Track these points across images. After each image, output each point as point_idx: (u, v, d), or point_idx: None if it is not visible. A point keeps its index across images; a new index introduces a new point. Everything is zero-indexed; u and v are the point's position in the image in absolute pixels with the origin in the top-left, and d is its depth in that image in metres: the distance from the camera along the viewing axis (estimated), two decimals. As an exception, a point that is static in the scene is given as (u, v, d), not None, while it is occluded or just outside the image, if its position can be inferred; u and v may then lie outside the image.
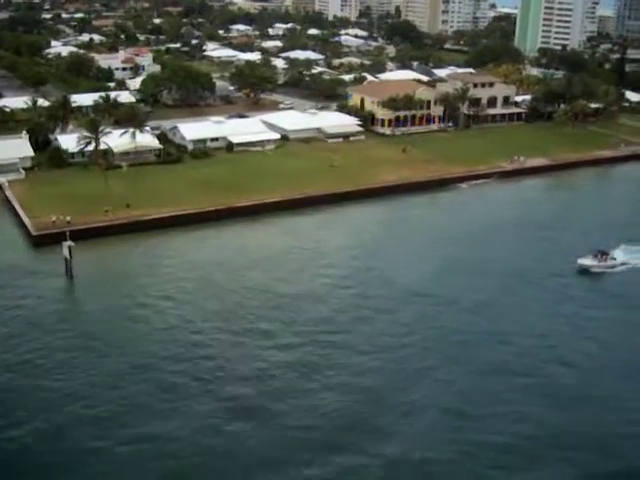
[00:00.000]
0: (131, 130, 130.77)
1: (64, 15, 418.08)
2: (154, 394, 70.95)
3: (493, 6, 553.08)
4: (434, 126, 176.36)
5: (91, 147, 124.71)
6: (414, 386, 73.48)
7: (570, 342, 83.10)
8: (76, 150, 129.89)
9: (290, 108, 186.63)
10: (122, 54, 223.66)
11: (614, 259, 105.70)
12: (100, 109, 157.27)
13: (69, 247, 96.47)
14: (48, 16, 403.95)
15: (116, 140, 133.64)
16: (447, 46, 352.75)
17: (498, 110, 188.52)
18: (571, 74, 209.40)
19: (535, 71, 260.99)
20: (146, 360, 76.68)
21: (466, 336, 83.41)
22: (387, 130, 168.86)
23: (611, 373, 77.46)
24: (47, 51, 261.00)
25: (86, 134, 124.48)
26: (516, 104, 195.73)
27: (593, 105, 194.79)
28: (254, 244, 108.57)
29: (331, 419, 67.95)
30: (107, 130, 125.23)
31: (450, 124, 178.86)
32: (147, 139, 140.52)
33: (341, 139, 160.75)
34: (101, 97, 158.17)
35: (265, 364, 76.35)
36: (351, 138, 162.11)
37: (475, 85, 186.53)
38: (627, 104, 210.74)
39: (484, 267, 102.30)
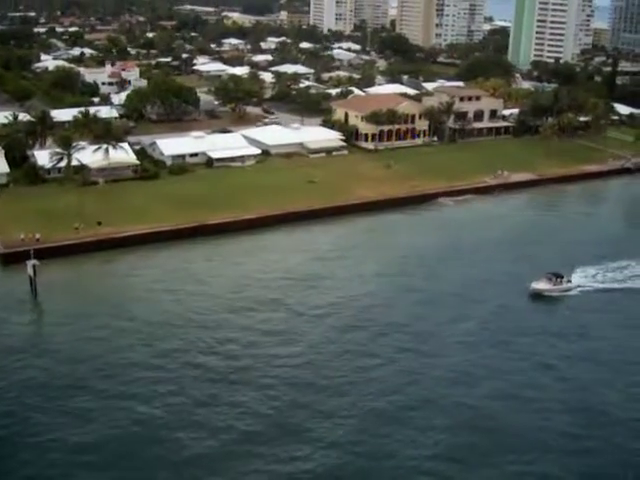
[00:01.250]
0: (104, 146, 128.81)
1: (58, 29, 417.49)
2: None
3: (490, 19, 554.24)
4: (419, 140, 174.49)
5: (64, 163, 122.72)
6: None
7: (488, 380, 77.99)
8: (50, 166, 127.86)
9: (275, 122, 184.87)
10: (108, 68, 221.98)
11: (570, 282, 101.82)
12: (79, 124, 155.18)
13: (34, 266, 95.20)
14: (42, 30, 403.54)
15: (93, 156, 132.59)
16: (440, 59, 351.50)
17: (485, 124, 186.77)
18: (558, 87, 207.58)
19: (527, 84, 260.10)
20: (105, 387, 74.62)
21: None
22: (370, 145, 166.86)
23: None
24: (37, 65, 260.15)
25: (58, 150, 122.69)
26: (504, 118, 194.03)
27: (582, 118, 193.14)
28: (219, 264, 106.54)
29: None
30: (80, 146, 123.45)
31: (435, 138, 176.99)
32: (124, 155, 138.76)
33: (324, 154, 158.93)
34: (80, 112, 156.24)
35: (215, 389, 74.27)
36: (334, 153, 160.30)
37: (461, 99, 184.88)
38: (617, 117, 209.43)
39: (433, 291, 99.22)
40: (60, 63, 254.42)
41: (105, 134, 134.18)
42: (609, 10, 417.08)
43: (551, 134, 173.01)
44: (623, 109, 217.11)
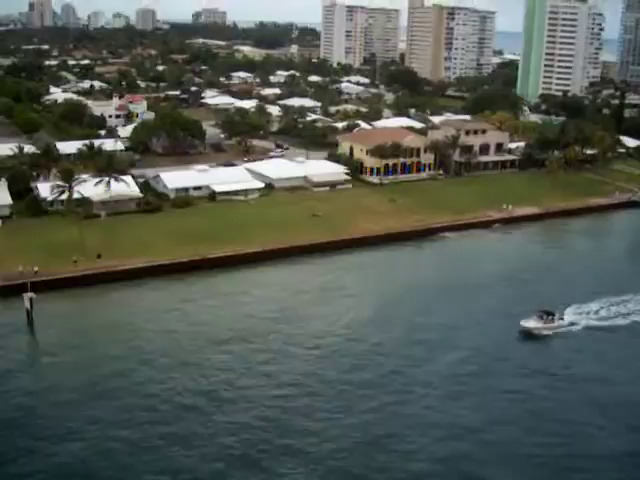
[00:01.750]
0: (106, 179, 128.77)
1: (70, 62, 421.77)
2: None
3: (500, 53, 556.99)
4: (424, 174, 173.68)
5: (65, 196, 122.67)
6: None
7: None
8: (51, 198, 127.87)
9: (281, 156, 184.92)
10: (116, 101, 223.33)
11: (562, 319, 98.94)
12: (83, 157, 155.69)
13: (30, 298, 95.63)
14: (54, 63, 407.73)
15: (96, 189, 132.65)
16: (449, 92, 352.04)
17: (491, 157, 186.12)
18: (565, 120, 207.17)
19: (535, 117, 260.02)
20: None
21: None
22: (375, 179, 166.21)
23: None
24: (46, 97, 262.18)
25: (59, 183, 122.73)
26: (510, 151, 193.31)
27: (589, 151, 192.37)
28: (218, 299, 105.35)
29: None
30: (81, 179, 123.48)
31: (441, 172, 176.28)
32: (127, 188, 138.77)
33: (328, 188, 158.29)
34: (85, 145, 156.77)
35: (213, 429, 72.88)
36: (338, 187, 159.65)
37: (467, 132, 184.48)
38: (624, 150, 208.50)
39: (424, 328, 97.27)
40: (69, 96, 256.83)
41: (108, 167, 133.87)
42: (618, 43, 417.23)
43: (557, 168, 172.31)
44: (631, 142, 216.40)
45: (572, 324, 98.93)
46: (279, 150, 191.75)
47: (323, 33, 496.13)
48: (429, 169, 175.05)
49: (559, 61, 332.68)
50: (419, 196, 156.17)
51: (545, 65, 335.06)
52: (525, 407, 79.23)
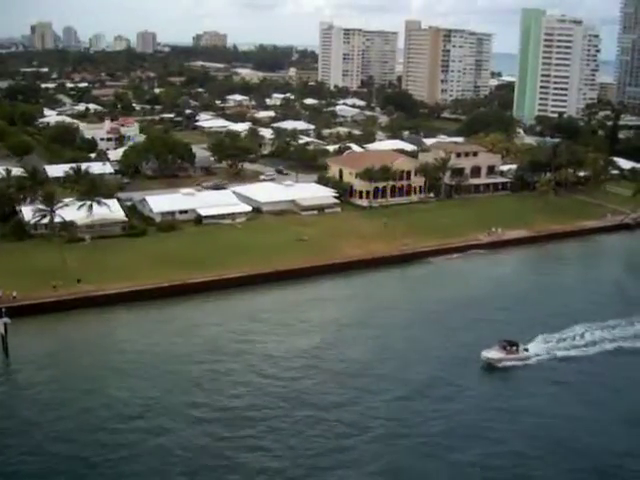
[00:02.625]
0: (88, 203, 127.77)
1: (68, 84, 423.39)
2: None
3: (499, 75, 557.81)
4: (415, 197, 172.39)
5: (47, 220, 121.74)
6: None
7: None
8: (33, 222, 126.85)
9: (272, 179, 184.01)
10: (107, 124, 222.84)
11: (527, 350, 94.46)
12: (69, 180, 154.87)
13: (5, 324, 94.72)
14: (51, 85, 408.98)
15: (81, 212, 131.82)
16: (445, 115, 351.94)
17: (482, 180, 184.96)
18: (556, 142, 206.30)
19: (530, 139, 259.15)
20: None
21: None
22: (365, 202, 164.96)
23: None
24: (41, 120, 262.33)
25: (41, 207, 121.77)
26: (502, 173, 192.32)
27: (582, 173, 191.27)
28: (195, 325, 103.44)
29: None
30: (63, 203, 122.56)
31: (432, 195, 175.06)
32: (112, 211, 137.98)
33: (316, 212, 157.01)
34: (71, 168, 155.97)
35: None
36: (326, 210, 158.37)
37: (458, 154, 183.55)
38: (618, 172, 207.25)
39: (382, 358, 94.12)
40: (61, 118, 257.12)
41: (91, 191, 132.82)
42: (615, 65, 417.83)
43: (547, 190, 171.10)
44: (625, 163, 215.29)
45: (538, 356, 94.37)
46: (270, 174, 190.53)
47: (321, 56, 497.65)
48: (420, 192, 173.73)
49: (555, 83, 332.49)
50: (408, 219, 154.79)
51: (541, 87, 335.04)
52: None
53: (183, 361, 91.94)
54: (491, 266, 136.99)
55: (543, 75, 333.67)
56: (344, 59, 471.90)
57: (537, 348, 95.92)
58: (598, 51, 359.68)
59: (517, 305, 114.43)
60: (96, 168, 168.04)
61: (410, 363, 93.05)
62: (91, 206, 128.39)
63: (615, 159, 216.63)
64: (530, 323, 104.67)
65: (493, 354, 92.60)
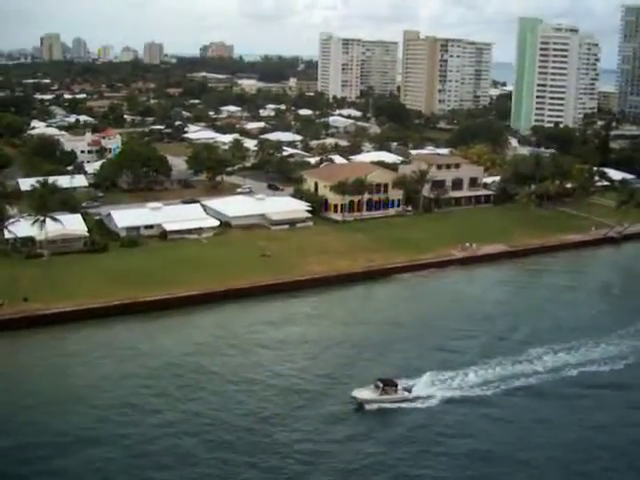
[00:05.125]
0: (40, 218, 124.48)
1: (67, 95, 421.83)
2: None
3: (504, 84, 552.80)
4: (392, 210, 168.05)
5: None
6: None
7: None
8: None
9: (249, 192, 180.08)
10: (88, 136, 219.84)
11: (408, 391, 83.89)
12: (36, 195, 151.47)
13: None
14: (48, 97, 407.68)
15: (43, 227, 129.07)
16: (441, 125, 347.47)
17: (464, 192, 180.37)
18: (538, 154, 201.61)
19: (525, 149, 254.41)
20: None
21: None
22: (339, 216, 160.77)
23: None
24: (29, 132, 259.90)
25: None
26: (485, 185, 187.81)
27: (569, 185, 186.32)
28: (138, 348, 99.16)
29: None
30: (15, 219, 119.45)
31: (410, 208, 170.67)
32: (75, 226, 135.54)
33: (287, 226, 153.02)
34: (38, 182, 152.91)
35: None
36: (298, 225, 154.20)
37: (439, 167, 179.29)
38: (608, 183, 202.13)
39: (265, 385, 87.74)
40: (50, 130, 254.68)
41: (41, 206, 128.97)
42: (616, 73, 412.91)
43: (527, 202, 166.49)
44: (616, 174, 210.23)
45: (418, 398, 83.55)
46: (247, 187, 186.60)
47: (320, 66, 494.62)
48: (397, 205, 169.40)
49: (551, 92, 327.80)
50: (381, 234, 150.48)
51: (537, 96, 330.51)
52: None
53: (119, 385, 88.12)
54: (457, 284, 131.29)
55: (539, 84, 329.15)
56: (343, 69, 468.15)
57: (423, 388, 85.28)
58: (598, 60, 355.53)
59: (457, 330, 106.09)
60: (64, 182, 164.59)
61: (268, 397, 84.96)
62: (44, 222, 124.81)
63: (606, 170, 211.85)
64: (445, 354, 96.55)
65: (364, 394, 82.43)
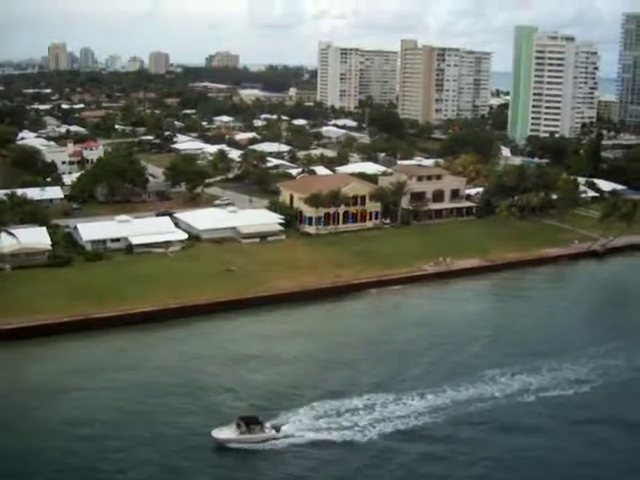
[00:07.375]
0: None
1: (64, 106, 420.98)
2: None
3: (507, 94, 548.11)
4: (369, 223, 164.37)
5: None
6: None
7: None
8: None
9: (228, 204, 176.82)
10: (70, 147, 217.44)
11: (276, 430, 76.95)
12: (5, 207, 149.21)
13: None
14: (44, 107, 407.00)
15: (4, 240, 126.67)
16: (437, 135, 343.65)
17: (445, 204, 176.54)
18: (521, 165, 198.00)
19: (518, 160, 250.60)
20: None
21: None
22: (312, 229, 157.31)
23: None
24: (18, 143, 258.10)
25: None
26: (469, 197, 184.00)
27: (555, 196, 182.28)
28: (85, 367, 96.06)
29: None
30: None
31: (388, 221, 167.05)
32: (38, 240, 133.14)
33: (258, 239, 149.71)
34: (6, 195, 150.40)
35: None
36: (270, 238, 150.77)
37: (419, 178, 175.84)
38: (597, 194, 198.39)
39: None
40: (37, 141, 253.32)
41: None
42: (616, 82, 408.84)
43: (507, 215, 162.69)
44: (607, 185, 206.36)
45: (287, 437, 76.88)
46: (226, 199, 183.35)
47: (319, 76, 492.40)
48: (376, 218, 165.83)
49: (547, 101, 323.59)
50: (353, 248, 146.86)
51: (533, 106, 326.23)
52: None
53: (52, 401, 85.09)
54: (421, 300, 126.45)
55: (535, 94, 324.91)
56: (341, 79, 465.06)
57: (294, 427, 78.39)
58: (597, 68, 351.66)
59: (401, 353, 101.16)
60: (35, 194, 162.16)
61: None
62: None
63: (596, 181, 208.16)
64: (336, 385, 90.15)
65: (225, 433, 76.18)
